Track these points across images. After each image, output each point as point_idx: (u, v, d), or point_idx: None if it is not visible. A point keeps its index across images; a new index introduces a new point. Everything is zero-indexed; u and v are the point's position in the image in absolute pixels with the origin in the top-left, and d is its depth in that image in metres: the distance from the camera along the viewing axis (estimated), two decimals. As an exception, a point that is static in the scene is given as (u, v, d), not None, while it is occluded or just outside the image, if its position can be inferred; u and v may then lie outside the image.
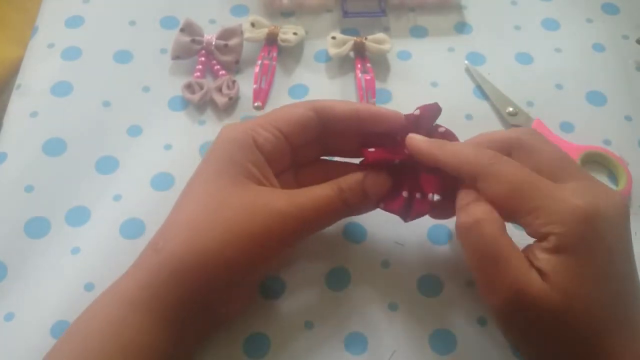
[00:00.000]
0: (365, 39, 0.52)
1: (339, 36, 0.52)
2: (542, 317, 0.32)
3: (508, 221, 0.34)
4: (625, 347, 0.32)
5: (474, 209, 0.34)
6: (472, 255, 0.34)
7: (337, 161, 0.43)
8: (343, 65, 0.52)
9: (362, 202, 0.37)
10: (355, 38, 0.52)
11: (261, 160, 0.37)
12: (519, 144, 0.35)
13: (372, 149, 0.38)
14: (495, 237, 0.33)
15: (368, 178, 0.37)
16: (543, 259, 0.32)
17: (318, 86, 0.51)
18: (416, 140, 0.37)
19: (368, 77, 0.51)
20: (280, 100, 0.50)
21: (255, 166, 0.36)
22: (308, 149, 0.40)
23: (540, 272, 0.32)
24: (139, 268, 0.35)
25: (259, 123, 0.38)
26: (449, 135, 0.39)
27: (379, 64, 0.52)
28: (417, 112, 0.39)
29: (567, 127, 0.49)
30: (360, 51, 0.52)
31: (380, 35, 0.52)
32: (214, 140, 0.38)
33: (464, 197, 0.35)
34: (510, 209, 0.33)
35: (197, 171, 0.38)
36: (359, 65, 0.52)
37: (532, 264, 0.32)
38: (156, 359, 0.34)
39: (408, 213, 0.37)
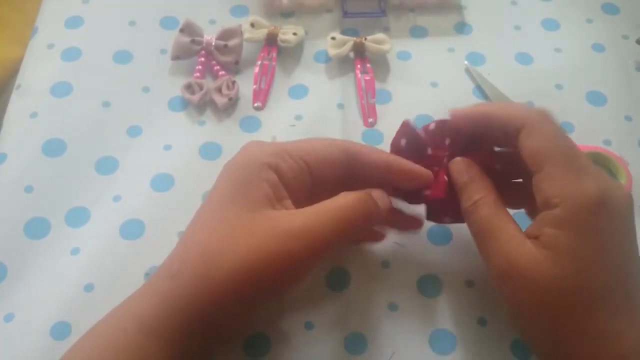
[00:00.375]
0: (365, 39, 0.52)
1: (339, 37, 0.52)
2: (534, 288, 0.33)
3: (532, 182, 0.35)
4: (623, 327, 0.32)
5: (472, 191, 0.37)
6: (473, 234, 0.37)
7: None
8: (343, 65, 0.52)
9: (376, 211, 0.37)
10: (354, 38, 0.52)
11: (279, 185, 0.36)
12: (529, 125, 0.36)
13: (429, 191, 0.39)
14: (489, 216, 0.35)
15: (374, 192, 0.37)
16: (547, 231, 0.33)
17: (318, 87, 0.51)
18: (461, 110, 0.38)
19: (368, 78, 0.51)
20: (280, 100, 0.50)
21: (272, 190, 0.35)
22: (329, 183, 0.39)
23: (541, 243, 0.33)
24: (153, 293, 0.35)
25: (287, 149, 0.37)
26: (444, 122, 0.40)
27: (379, 64, 0.52)
28: (403, 142, 0.40)
29: (567, 127, 0.49)
30: (360, 51, 0.52)
31: (379, 36, 0.52)
32: (238, 154, 0.37)
33: (461, 175, 0.38)
34: (538, 165, 0.34)
35: (214, 190, 0.36)
36: (358, 66, 0.52)
37: (533, 237, 0.34)
38: None
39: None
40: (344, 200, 0.35)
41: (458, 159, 0.38)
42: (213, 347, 0.37)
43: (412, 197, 0.40)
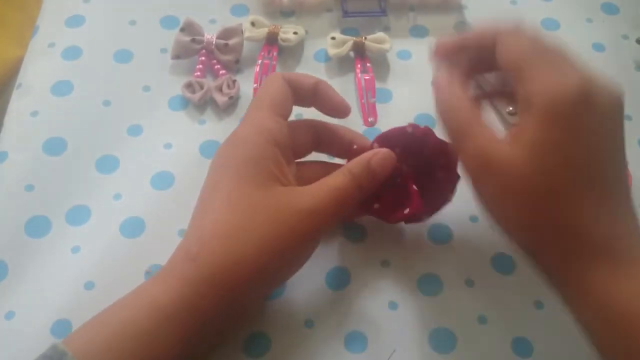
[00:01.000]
0: (365, 38, 0.52)
1: (339, 36, 0.52)
2: (511, 181, 0.33)
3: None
4: (596, 221, 0.32)
5: (441, 74, 0.38)
6: (449, 133, 0.37)
7: (335, 163, 0.43)
8: (343, 65, 0.52)
9: (373, 183, 0.38)
10: (354, 38, 0.52)
11: (279, 157, 0.37)
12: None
13: (407, 210, 0.40)
14: (466, 116, 0.36)
15: (374, 159, 0.38)
16: (524, 126, 0.33)
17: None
18: (440, 42, 0.40)
19: (367, 77, 0.51)
20: (281, 99, 0.50)
21: (274, 164, 0.36)
22: (302, 143, 0.41)
23: (518, 139, 0.33)
24: (172, 277, 0.35)
25: (267, 116, 0.38)
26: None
27: (379, 64, 0.52)
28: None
29: (567, 126, 0.49)
30: (360, 51, 0.52)
31: (380, 35, 0.52)
32: (229, 141, 0.38)
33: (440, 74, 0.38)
34: (515, 73, 0.34)
35: (215, 172, 0.38)
36: (358, 65, 0.52)
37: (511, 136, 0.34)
38: None
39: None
40: (343, 176, 0.37)
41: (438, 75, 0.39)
42: (222, 336, 0.37)
43: (391, 217, 0.40)
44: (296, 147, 0.40)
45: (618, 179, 0.33)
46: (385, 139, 0.40)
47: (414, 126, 0.40)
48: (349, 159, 0.40)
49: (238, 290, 0.34)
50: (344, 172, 0.37)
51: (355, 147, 0.40)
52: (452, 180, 0.41)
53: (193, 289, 0.33)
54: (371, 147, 0.40)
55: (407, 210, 0.40)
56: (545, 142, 0.32)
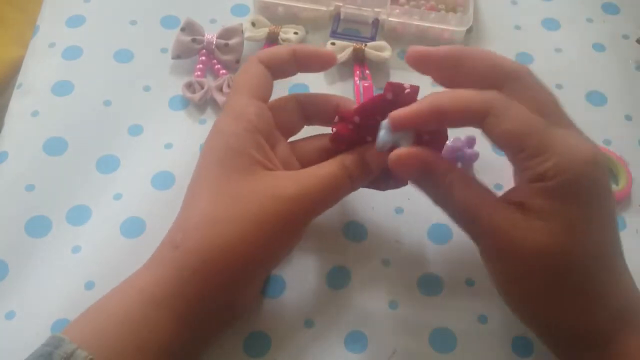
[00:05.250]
0: (365, 45, 0.51)
1: (339, 42, 0.52)
2: (532, 261, 0.32)
3: (510, 160, 0.34)
4: (615, 284, 0.33)
5: (439, 174, 0.34)
6: (454, 218, 0.35)
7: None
8: (342, 70, 0.52)
9: (365, 176, 0.38)
10: (354, 45, 0.51)
11: (261, 141, 0.37)
12: (514, 78, 0.35)
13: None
14: (466, 196, 0.34)
15: (368, 154, 0.37)
16: (539, 201, 0.32)
17: (318, 87, 0.51)
18: (403, 112, 0.34)
19: (366, 84, 0.51)
20: (281, 99, 0.50)
21: (256, 150, 0.36)
22: (289, 122, 0.41)
23: (533, 214, 0.32)
24: (158, 264, 0.35)
25: (245, 102, 0.38)
26: (414, 92, 0.38)
27: (379, 64, 0.52)
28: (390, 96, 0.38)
29: (567, 126, 0.49)
30: (359, 58, 0.52)
31: (380, 43, 0.52)
32: (211, 132, 0.38)
33: (414, 164, 0.34)
34: (517, 148, 0.33)
35: (200, 164, 0.38)
36: (357, 72, 0.51)
37: (515, 203, 0.33)
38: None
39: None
40: (335, 167, 0.37)
41: (400, 150, 0.34)
42: (219, 327, 0.37)
43: (382, 186, 0.40)
44: (284, 127, 0.40)
45: (618, 245, 0.34)
46: (365, 111, 0.38)
47: (393, 91, 0.38)
48: (334, 126, 0.38)
49: (224, 277, 0.34)
50: (336, 162, 0.37)
51: (336, 119, 0.38)
52: (439, 142, 0.39)
53: (177, 275, 0.34)
54: (353, 121, 0.38)
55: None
56: (566, 219, 0.32)
